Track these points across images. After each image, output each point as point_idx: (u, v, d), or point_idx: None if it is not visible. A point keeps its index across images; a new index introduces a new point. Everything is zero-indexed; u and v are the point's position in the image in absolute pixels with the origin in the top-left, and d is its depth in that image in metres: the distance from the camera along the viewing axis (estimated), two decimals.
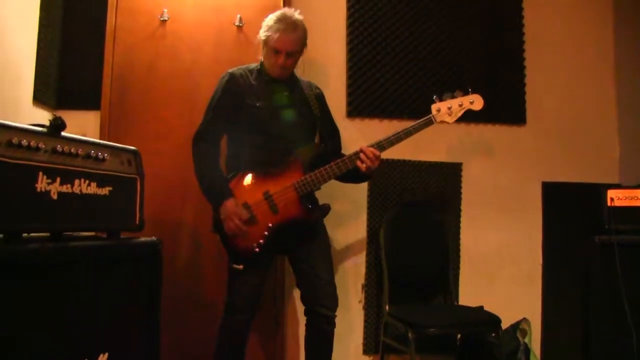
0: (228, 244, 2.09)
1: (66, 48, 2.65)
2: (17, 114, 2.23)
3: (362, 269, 2.81)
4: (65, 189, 1.35)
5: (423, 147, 2.78)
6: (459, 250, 2.86)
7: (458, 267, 2.84)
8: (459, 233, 2.86)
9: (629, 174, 2.86)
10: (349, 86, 2.85)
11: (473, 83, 2.26)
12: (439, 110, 2.17)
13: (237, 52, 2.58)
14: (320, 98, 2.33)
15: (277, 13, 2.14)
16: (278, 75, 2.18)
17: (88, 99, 2.62)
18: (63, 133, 1.37)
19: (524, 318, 2.68)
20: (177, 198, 2.54)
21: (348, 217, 2.80)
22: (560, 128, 2.95)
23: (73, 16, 2.67)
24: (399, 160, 2.82)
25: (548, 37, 2.98)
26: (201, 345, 2.42)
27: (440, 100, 2.18)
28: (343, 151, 2.30)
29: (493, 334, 2.40)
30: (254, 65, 2.25)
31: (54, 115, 1.37)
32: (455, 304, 2.72)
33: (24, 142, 1.23)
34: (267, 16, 2.16)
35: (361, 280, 2.80)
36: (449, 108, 2.18)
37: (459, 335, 2.69)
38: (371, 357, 2.79)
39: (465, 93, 2.19)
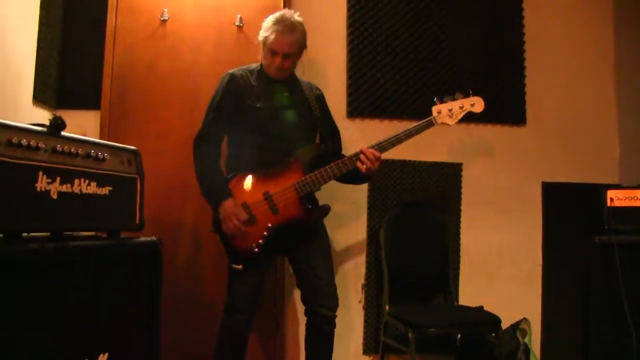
0: (227, 244, 2.10)
1: (66, 48, 2.65)
2: (17, 114, 2.23)
3: (362, 269, 2.81)
4: (65, 188, 1.35)
5: (423, 148, 2.78)
6: (459, 250, 2.86)
7: (458, 267, 2.84)
8: (459, 233, 2.86)
9: (628, 174, 2.86)
10: (349, 86, 2.85)
11: (473, 83, 2.27)
12: (439, 112, 2.18)
13: (237, 52, 2.58)
14: (321, 99, 2.33)
15: (276, 14, 2.14)
16: (275, 76, 2.18)
17: (88, 99, 2.62)
18: (63, 133, 1.37)
19: (524, 318, 2.68)
20: (177, 198, 2.54)
21: (348, 217, 2.80)
22: (561, 128, 2.95)
23: (73, 16, 2.67)
24: (399, 161, 2.82)
25: (548, 37, 2.98)
26: (201, 345, 2.42)
27: (441, 102, 2.19)
28: (343, 152, 2.30)
29: (493, 334, 2.40)
30: (254, 65, 2.25)
31: (54, 114, 1.36)
32: (455, 304, 2.72)
33: (24, 142, 1.23)
34: (267, 16, 2.16)
35: (361, 280, 2.80)
36: (450, 110, 2.18)
37: (459, 335, 2.69)
38: (371, 357, 2.79)
39: (466, 95, 2.19)
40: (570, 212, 2.86)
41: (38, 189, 1.27)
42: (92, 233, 1.59)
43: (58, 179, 1.32)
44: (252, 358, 2.42)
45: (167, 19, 2.59)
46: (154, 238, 1.63)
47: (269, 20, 2.14)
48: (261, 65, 2.21)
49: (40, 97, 2.44)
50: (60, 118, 1.35)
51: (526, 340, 2.62)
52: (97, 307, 1.42)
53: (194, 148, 2.18)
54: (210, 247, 2.48)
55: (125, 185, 1.57)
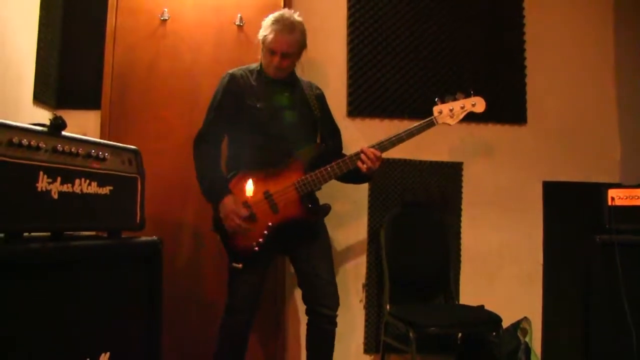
0: (228, 243, 2.09)
1: (66, 48, 2.65)
2: (18, 114, 2.23)
3: (363, 269, 2.81)
4: (66, 188, 1.35)
5: (424, 147, 2.77)
6: (459, 249, 2.86)
7: (459, 267, 2.84)
8: (459, 232, 2.86)
9: (629, 174, 2.86)
10: (349, 86, 2.85)
11: (474, 83, 2.27)
12: (440, 112, 2.18)
13: (237, 52, 2.58)
14: (321, 98, 2.33)
15: (276, 14, 2.15)
16: (273, 75, 2.18)
17: (88, 99, 2.62)
18: (63, 132, 1.36)
19: (525, 317, 2.68)
20: (177, 197, 2.54)
21: (349, 217, 2.80)
22: (561, 127, 2.95)
23: (73, 16, 2.67)
24: (399, 160, 2.82)
25: (549, 37, 2.97)
26: (202, 344, 2.42)
27: (442, 102, 2.19)
28: (343, 151, 2.30)
29: (494, 333, 2.40)
30: (254, 65, 2.25)
31: (55, 114, 1.36)
32: (456, 303, 2.72)
33: (25, 142, 1.23)
34: (267, 16, 2.16)
35: (362, 279, 2.80)
36: (451, 110, 2.18)
37: (459, 335, 2.69)
38: (372, 357, 2.79)
39: (467, 95, 2.19)
40: (571, 211, 2.85)
41: (39, 189, 1.27)
42: (93, 233, 1.59)
43: (59, 178, 1.32)
44: (253, 358, 2.42)
45: (167, 18, 2.59)
46: (154, 238, 1.63)
47: (268, 20, 2.14)
48: (261, 65, 2.21)
49: (40, 97, 2.44)
50: (60, 118, 1.35)
51: (527, 339, 2.62)
52: (98, 306, 1.42)
53: (194, 148, 2.18)
54: (211, 246, 2.48)
55: (126, 185, 1.57)
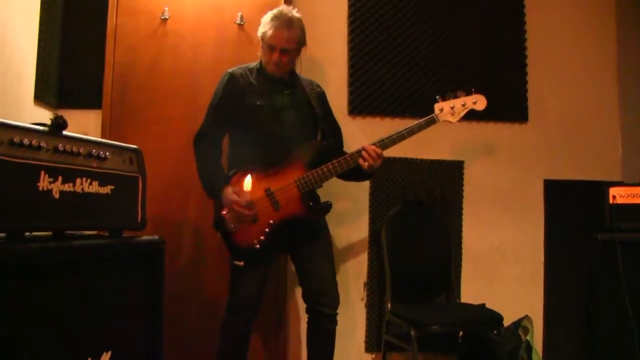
0: (229, 240, 2.09)
1: (67, 47, 2.65)
2: (19, 113, 2.23)
3: (364, 268, 2.81)
4: (67, 187, 1.35)
5: (425, 146, 2.77)
6: (460, 248, 2.85)
7: (460, 265, 2.84)
8: (461, 231, 2.86)
9: (631, 172, 2.85)
10: (350, 84, 2.85)
11: (475, 81, 2.26)
12: (441, 110, 2.17)
13: (238, 51, 2.58)
14: (322, 96, 2.33)
15: (274, 10, 2.15)
16: (273, 71, 2.18)
17: (89, 98, 2.62)
18: (64, 132, 1.36)
19: (526, 315, 2.68)
20: (178, 196, 2.54)
21: (350, 215, 2.80)
22: (563, 126, 2.94)
23: (74, 15, 2.67)
24: (400, 159, 2.81)
25: (550, 35, 2.97)
26: (203, 343, 2.42)
27: (443, 99, 2.18)
28: (344, 150, 2.29)
29: (495, 332, 2.40)
30: (253, 64, 2.25)
31: (56, 114, 1.36)
32: (457, 302, 2.72)
33: (26, 141, 1.23)
34: None
35: (363, 278, 2.80)
36: (452, 108, 2.17)
37: (461, 333, 2.69)
38: (373, 355, 2.79)
39: (468, 93, 2.19)
40: (572, 209, 2.85)
41: (40, 188, 1.27)
42: (94, 232, 1.59)
43: (60, 178, 1.32)
44: (254, 356, 2.43)
45: (167, 17, 2.59)
46: (156, 237, 1.64)
47: (267, 16, 2.15)
48: (261, 62, 2.21)
49: (41, 97, 2.44)
50: (61, 117, 1.35)
51: (528, 337, 2.62)
52: (100, 305, 1.42)
53: (194, 146, 2.19)
54: (212, 245, 2.48)
55: (127, 184, 1.57)
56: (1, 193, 1.17)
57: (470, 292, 2.80)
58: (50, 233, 1.38)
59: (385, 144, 2.12)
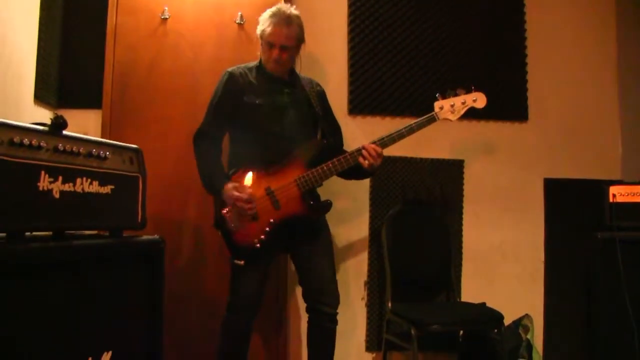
0: (229, 239, 2.09)
1: (67, 47, 2.65)
2: (19, 113, 2.23)
3: (365, 267, 2.81)
4: (67, 187, 1.35)
5: (425, 145, 2.77)
6: (461, 247, 2.85)
7: (460, 264, 2.84)
8: (461, 230, 2.86)
9: (630, 170, 2.85)
10: (350, 83, 2.85)
11: (475, 80, 2.26)
12: (441, 108, 2.17)
13: (238, 50, 2.58)
14: (322, 95, 2.33)
15: (273, 8, 2.15)
16: (273, 69, 2.18)
17: (89, 98, 2.62)
18: (65, 132, 1.37)
19: (527, 314, 2.69)
20: (178, 196, 2.54)
21: (350, 214, 2.80)
22: (562, 125, 2.94)
23: (73, 15, 2.67)
24: (400, 158, 2.81)
25: (550, 34, 2.96)
26: (203, 343, 2.42)
27: (443, 97, 2.18)
28: (344, 149, 2.29)
29: (495, 331, 2.40)
30: (253, 63, 2.25)
31: (56, 114, 1.36)
32: (458, 301, 2.72)
33: (26, 141, 1.23)
34: None
35: (363, 277, 2.80)
36: (452, 106, 2.17)
37: (461, 332, 2.69)
38: (374, 354, 2.79)
39: (468, 91, 2.19)
40: (572, 208, 2.85)
41: (40, 188, 1.27)
42: (95, 232, 1.59)
43: (60, 178, 1.33)
44: (255, 356, 2.43)
45: (167, 17, 2.59)
46: (156, 236, 1.64)
47: (266, 14, 2.15)
48: (260, 61, 2.21)
49: (41, 97, 2.44)
50: (61, 117, 1.35)
51: (528, 336, 2.62)
52: (100, 305, 1.42)
53: (194, 145, 2.19)
54: (212, 245, 2.48)
55: (128, 184, 1.57)
56: (1, 193, 1.18)
57: (471, 291, 2.80)
58: (50, 233, 1.38)
59: (385, 142, 2.12)
